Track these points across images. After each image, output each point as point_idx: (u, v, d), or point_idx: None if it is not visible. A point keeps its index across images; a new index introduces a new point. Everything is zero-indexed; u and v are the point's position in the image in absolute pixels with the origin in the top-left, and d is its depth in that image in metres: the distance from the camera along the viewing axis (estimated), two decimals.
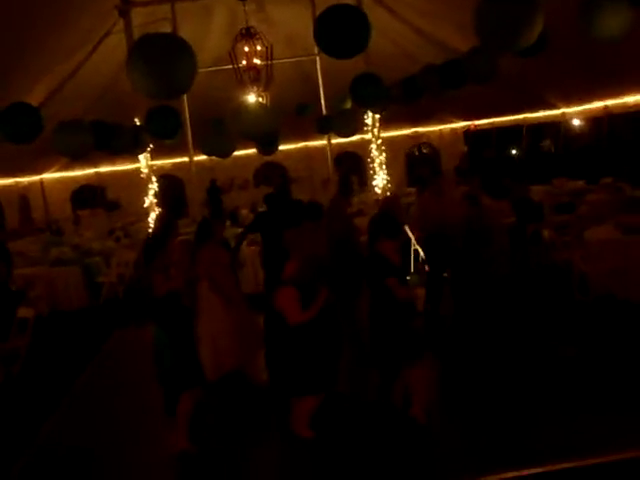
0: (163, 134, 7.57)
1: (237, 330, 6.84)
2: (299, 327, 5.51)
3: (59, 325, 11.45)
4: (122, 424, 6.83)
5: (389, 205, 8.19)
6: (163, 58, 4.32)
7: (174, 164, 20.38)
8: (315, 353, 5.56)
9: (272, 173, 22.83)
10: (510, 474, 4.88)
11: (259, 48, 13.08)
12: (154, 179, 11.58)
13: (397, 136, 21.48)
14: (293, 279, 5.58)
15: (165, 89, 4.50)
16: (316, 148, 20.87)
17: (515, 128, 20.24)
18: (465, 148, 22.29)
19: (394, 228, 6.06)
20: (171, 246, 6.06)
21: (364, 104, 8.71)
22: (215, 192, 20.94)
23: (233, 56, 13.10)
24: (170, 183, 19.53)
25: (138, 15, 11.77)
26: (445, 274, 8.56)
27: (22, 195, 21.47)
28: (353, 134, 10.62)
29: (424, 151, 23.62)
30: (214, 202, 20.20)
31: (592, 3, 5.30)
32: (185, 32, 12.61)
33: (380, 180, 11.66)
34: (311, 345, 5.55)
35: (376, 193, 11.83)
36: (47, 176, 21.93)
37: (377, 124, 11.74)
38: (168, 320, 5.81)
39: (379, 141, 11.75)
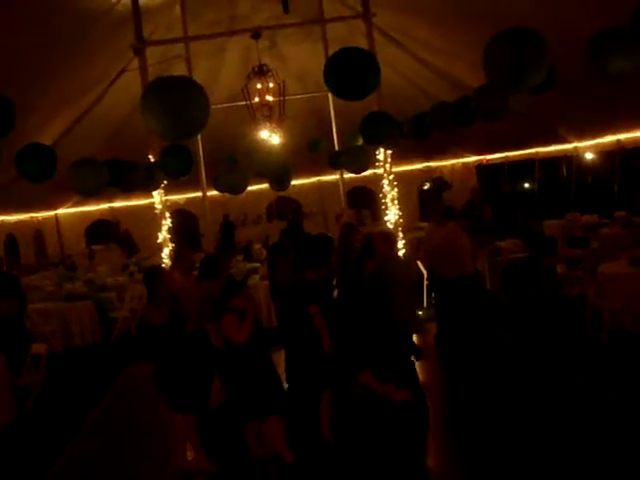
0: (176, 172, 7.64)
1: None
2: (245, 346, 5.87)
3: (72, 361, 11.47)
4: (135, 459, 6.82)
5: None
6: (176, 102, 4.39)
7: (188, 199, 20.49)
8: (266, 371, 6.00)
9: (285, 208, 22.97)
10: None
11: (271, 85, 13.21)
12: (167, 214, 11.58)
13: (409, 171, 21.57)
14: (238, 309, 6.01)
15: (178, 132, 4.58)
16: (329, 182, 20.96)
17: (527, 162, 20.24)
18: (476, 183, 22.31)
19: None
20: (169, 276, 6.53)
21: (374, 142, 8.74)
22: (228, 227, 21.01)
23: (246, 93, 13.23)
24: (182, 219, 19.60)
25: (153, 53, 11.91)
26: None
27: (37, 230, 21.61)
28: (363, 170, 10.65)
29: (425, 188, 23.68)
30: (226, 237, 20.28)
31: (602, 43, 5.31)
32: (199, 70, 12.82)
33: (392, 215, 11.63)
34: (260, 363, 5.97)
35: (388, 227, 11.82)
36: (62, 211, 22.13)
37: (389, 159, 11.73)
38: (160, 350, 6.16)
39: (391, 176, 11.73)
